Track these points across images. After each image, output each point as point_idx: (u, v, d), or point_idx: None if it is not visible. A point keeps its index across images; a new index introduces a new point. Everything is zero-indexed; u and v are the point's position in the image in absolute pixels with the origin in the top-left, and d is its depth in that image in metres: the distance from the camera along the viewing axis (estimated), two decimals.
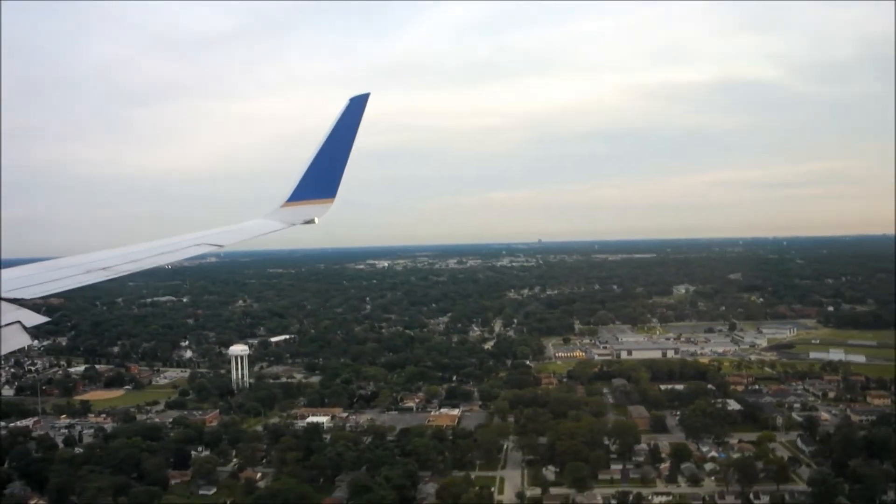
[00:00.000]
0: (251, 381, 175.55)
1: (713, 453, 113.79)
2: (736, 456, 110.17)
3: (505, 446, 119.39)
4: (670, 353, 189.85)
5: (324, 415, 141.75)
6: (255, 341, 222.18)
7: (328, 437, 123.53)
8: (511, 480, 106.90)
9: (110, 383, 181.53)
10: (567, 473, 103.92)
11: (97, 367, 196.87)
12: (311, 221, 18.13)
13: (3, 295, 10.54)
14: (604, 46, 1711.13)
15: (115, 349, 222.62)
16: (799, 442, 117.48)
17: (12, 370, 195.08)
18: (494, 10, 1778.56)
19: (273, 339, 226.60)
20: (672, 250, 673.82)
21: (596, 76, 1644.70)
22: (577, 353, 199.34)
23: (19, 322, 9.76)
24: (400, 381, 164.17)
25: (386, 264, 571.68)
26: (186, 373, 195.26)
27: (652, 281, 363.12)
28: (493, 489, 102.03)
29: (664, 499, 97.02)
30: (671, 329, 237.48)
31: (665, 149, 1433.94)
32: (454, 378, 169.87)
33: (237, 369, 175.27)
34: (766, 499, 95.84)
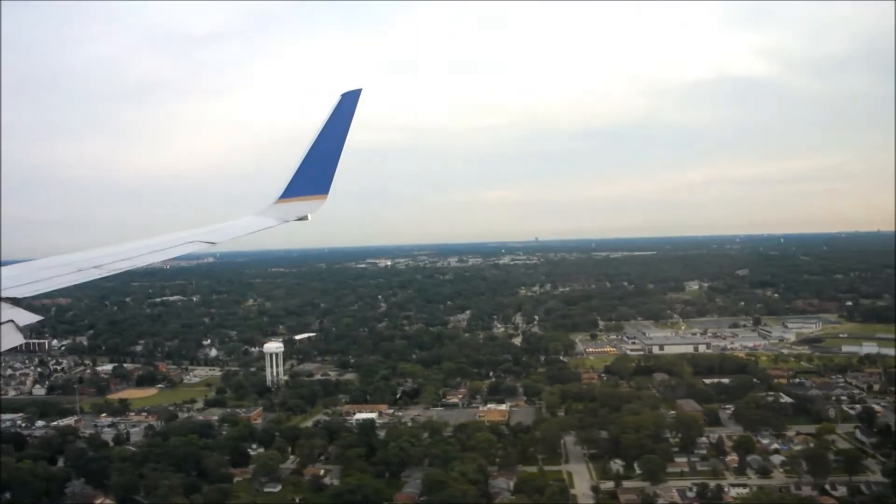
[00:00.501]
0: (286, 378, 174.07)
1: (775, 445, 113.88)
2: (797, 448, 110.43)
3: (562, 441, 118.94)
4: (702, 348, 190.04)
5: (369, 411, 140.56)
6: (279, 339, 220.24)
7: (381, 433, 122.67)
8: (578, 475, 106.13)
9: (141, 382, 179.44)
10: (640, 466, 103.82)
11: (125, 365, 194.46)
12: (304, 218, 17.95)
13: None
14: (598, 44, 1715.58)
15: (138, 348, 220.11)
16: (858, 433, 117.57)
17: (39, 370, 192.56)
18: (489, 9, 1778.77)
19: (297, 337, 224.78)
20: (671, 248, 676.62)
21: (590, 73, 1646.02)
22: (608, 349, 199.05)
23: (12, 321, 9.70)
24: (439, 377, 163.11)
25: (389, 263, 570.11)
26: (215, 371, 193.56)
27: (662, 277, 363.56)
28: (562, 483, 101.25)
29: (741, 490, 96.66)
30: (693, 324, 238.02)
31: (659, 146, 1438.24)
32: (491, 374, 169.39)
33: (272, 366, 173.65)
34: (842, 490, 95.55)
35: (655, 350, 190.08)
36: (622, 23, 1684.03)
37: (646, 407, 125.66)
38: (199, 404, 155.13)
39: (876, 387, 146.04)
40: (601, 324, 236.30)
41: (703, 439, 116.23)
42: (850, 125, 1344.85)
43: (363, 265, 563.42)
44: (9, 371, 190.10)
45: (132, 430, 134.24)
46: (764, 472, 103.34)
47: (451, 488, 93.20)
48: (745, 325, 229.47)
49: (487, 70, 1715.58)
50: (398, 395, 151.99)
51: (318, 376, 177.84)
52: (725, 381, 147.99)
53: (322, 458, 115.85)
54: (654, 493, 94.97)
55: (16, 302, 10.49)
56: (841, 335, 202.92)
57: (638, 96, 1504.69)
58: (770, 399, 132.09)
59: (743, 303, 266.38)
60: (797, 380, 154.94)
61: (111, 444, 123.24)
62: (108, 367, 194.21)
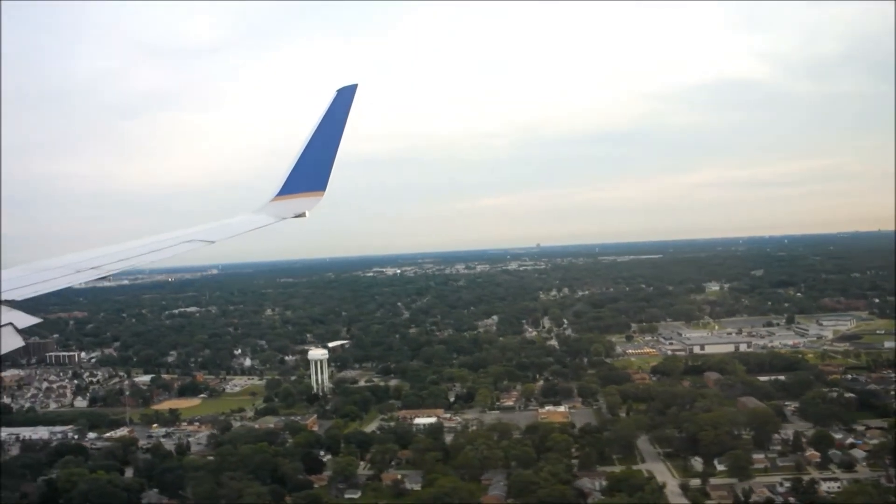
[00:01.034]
0: (330, 385, 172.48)
1: (850, 440, 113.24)
2: (873, 442, 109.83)
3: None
4: (743, 347, 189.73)
5: (426, 416, 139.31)
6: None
7: (449, 437, 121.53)
8: (659, 474, 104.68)
9: (183, 392, 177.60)
10: (723, 463, 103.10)
11: (162, 376, 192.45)
12: (301, 215, 17.58)
13: None
14: (596, 50, 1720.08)
15: (170, 359, 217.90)
16: None
17: (76, 382, 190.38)
18: (487, 17, 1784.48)
19: (330, 345, 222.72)
20: (675, 251, 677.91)
21: (587, 79, 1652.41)
22: (647, 350, 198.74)
23: (11, 324, 9.59)
24: (487, 381, 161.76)
25: (398, 271, 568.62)
26: (253, 380, 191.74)
27: (678, 279, 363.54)
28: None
29: (832, 485, 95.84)
30: (725, 324, 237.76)
31: (657, 150, 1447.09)
32: (537, 376, 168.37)
33: (317, 373, 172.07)
34: None
35: (696, 350, 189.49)
36: (619, 28, 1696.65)
37: (715, 405, 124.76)
38: (249, 413, 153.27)
39: None
40: (633, 326, 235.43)
41: (776, 435, 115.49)
42: (847, 126, 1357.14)
43: (371, 274, 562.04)
44: (45, 384, 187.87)
45: (190, 439, 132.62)
46: (848, 466, 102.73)
47: (544, 489, 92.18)
48: (777, 324, 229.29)
49: (483, 78, 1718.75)
50: (453, 400, 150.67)
51: (362, 383, 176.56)
52: (781, 378, 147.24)
53: (393, 463, 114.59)
54: (749, 489, 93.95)
55: (15, 305, 10.31)
56: (878, 331, 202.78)
57: (635, 101, 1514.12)
58: (834, 395, 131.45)
59: (770, 302, 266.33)
60: (849, 376, 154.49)
61: (174, 453, 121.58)
62: (145, 378, 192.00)
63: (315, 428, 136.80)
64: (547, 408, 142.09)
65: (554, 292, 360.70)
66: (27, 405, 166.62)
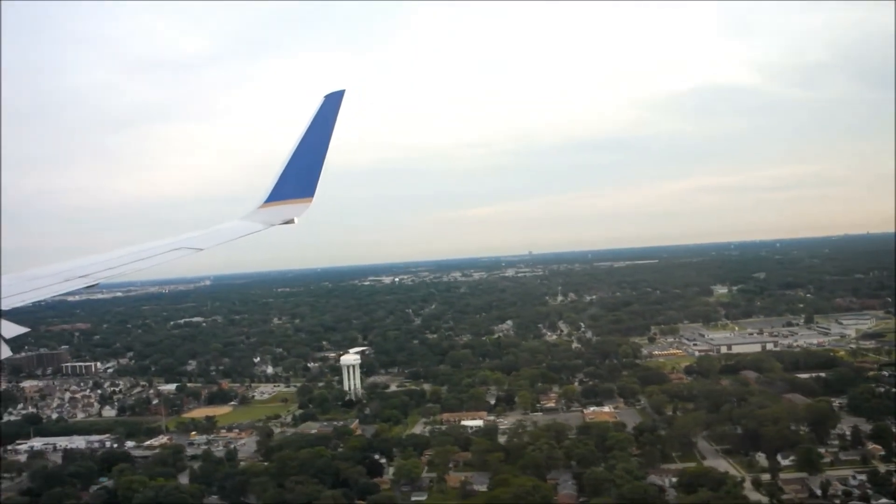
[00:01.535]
0: (363, 390, 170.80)
1: None
2: None
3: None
4: (769, 346, 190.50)
5: (470, 419, 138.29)
6: (331, 354, 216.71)
7: (502, 439, 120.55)
8: (723, 470, 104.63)
9: (212, 400, 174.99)
10: (788, 457, 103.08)
11: (188, 385, 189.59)
12: (290, 221, 17.55)
13: None
14: (586, 57, 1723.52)
15: (189, 367, 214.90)
16: None
17: (98, 392, 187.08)
18: (474, 25, 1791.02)
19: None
20: (668, 256, 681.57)
21: (578, 87, 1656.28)
22: (674, 351, 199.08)
23: None
24: (521, 383, 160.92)
25: (396, 279, 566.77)
26: (280, 387, 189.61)
27: (683, 283, 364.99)
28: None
29: None
30: (743, 325, 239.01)
31: (648, 157, 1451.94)
32: (571, 378, 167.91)
33: (350, 379, 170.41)
34: None
35: (724, 350, 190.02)
36: (610, 36, 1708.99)
37: (766, 401, 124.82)
38: (287, 419, 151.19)
39: None
40: (652, 328, 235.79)
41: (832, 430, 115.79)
42: (834, 131, 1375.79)
43: (367, 282, 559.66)
44: (68, 394, 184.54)
45: (232, 446, 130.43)
46: None
47: (620, 487, 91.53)
48: (796, 324, 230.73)
49: (474, 87, 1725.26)
50: (494, 402, 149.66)
51: (393, 387, 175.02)
52: (821, 375, 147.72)
53: (451, 465, 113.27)
54: (826, 481, 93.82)
55: (2, 314, 10.09)
56: None
57: (626, 108, 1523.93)
58: (881, 390, 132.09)
59: (784, 304, 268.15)
60: (885, 372, 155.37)
61: (225, 460, 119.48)
62: (169, 386, 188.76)
63: (359, 432, 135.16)
64: (591, 408, 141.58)
65: (560, 297, 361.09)
66: (55, 415, 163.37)
